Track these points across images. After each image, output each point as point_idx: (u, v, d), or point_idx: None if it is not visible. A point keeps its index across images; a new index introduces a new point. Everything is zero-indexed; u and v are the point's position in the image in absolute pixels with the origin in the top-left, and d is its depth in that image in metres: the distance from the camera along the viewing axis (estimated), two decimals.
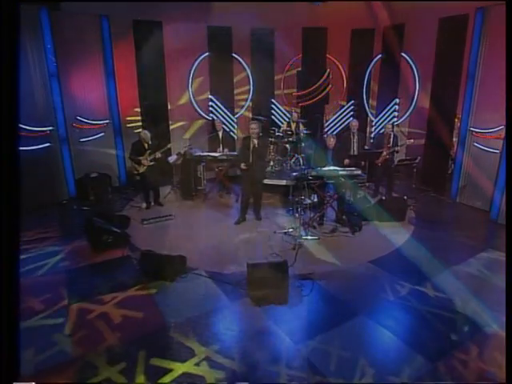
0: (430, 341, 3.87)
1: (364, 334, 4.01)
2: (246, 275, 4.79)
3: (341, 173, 5.97)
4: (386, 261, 5.51)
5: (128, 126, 9.31)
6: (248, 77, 10.17)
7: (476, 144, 7.40)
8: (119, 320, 4.22)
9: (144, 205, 7.51)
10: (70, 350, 3.76)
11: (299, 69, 10.36)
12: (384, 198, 6.83)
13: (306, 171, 5.93)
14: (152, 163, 7.23)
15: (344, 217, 6.63)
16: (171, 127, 9.67)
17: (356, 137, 7.55)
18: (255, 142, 6.34)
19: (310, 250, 5.83)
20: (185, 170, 8.00)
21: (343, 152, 6.68)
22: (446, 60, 8.01)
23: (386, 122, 9.51)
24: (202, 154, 7.73)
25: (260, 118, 8.74)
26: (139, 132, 7.57)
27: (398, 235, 6.33)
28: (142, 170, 7.25)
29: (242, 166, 6.33)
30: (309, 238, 6.10)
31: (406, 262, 5.47)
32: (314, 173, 5.92)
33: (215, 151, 7.87)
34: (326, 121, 10.70)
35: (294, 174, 6.26)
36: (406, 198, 6.89)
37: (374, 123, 10.03)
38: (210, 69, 9.68)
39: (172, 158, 8.00)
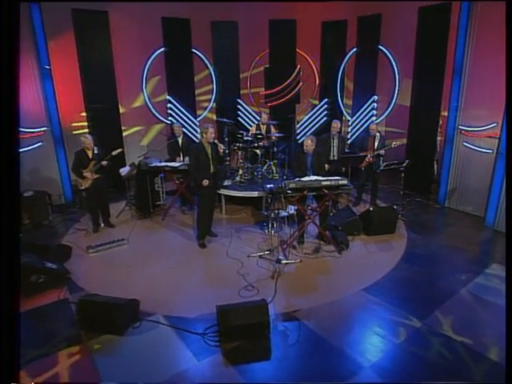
0: None
1: None
2: (216, 321, 3.78)
3: (324, 183, 5.04)
4: (382, 287, 4.63)
5: (74, 132, 8.08)
6: (211, 75, 9.12)
7: (466, 143, 6.71)
8: None
9: (91, 227, 6.31)
10: None
11: (267, 65, 9.44)
12: (372, 208, 5.97)
13: (283, 183, 4.96)
14: (98, 176, 6.04)
15: (327, 232, 5.73)
16: (124, 133, 8.49)
17: (336, 140, 6.67)
18: (211, 147, 5.49)
19: (291, 277, 4.86)
20: (140, 183, 6.85)
21: (324, 157, 5.76)
22: (428, 53, 7.27)
23: (364, 121, 8.75)
24: (159, 164, 6.61)
25: (225, 120, 7.72)
26: (80, 137, 6.24)
27: (390, 252, 5.51)
28: (86, 184, 6.04)
29: (205, 182, 5.35)
30: (289, 261, 5.13)
31: (405, 288, 4.63)
32: (292, 184, 4.96)
33: (175, 160, 6.78)
34: (298, 122, 9.84)
35: (269, 186, 5.28)
36: (395, 207, 6.08)
37: (350, 123, 9.23)
38: (166, 66, 8.56)
39: (124, 170, 6.80)
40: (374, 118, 8.70)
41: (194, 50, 8.76)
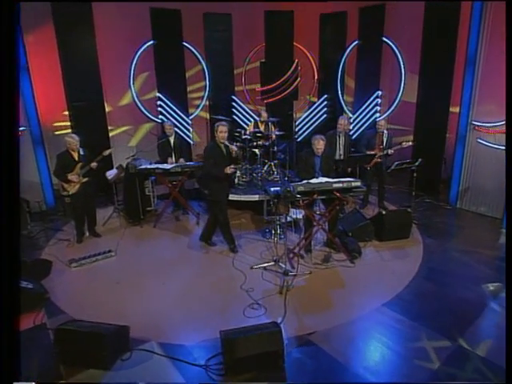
0: None
1: None
2: (221, 350, 3.22)
3: (336, 186, 4.51)
4: (404, 302, 4.13)
5: (56, 133, 7.47)
6: (203, 70, 8.55)
7: (480, 140, 6.25)
8: None
9: (75, 237, 5.70)
10: None
11: (263, 60, 8.89)
12: (384, 212, 5.48)
13: (291, 186, 4.41)
14: (86, 179, 5.46)
15: (337, 239, 5.21)
16: (111, 134, 7.87)
17: (342, 137, 6.17)
18: (225, 149, 5.04)
19: (302, 291, 4.33)
20: (129, 187, 6.27)
21: (333, 158, 5.24)
22: (436, 45, 6.77)
23: (367, 118, 8.26)
24: (149, 166, 6.03)
25: (221, 118, 7.15)
26: (65, 137, 5.62)
27: (407, 260, 5.02)
28: (72, 189, 5.45)
29: (229, 170, 4.94)
30: (297, 273, 4.59)
31: (429, 302, 4.14)
32: (301, 188, 4.42)
33: (166, 161, 6.21)
34: (295, 121, 9.29)
35: (274, 189, 4.74)
36: (409, 210, 5.59)
37: (351, 120, 8.71)
38: (156, 61, 7.96)
39: (111, 174, 6.18)
40: (378, 114, 8.21)
41: (185, 44, 8.17)
